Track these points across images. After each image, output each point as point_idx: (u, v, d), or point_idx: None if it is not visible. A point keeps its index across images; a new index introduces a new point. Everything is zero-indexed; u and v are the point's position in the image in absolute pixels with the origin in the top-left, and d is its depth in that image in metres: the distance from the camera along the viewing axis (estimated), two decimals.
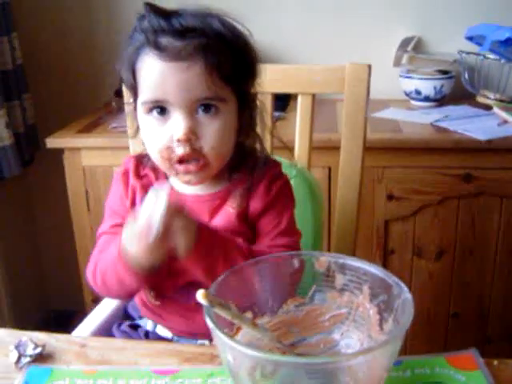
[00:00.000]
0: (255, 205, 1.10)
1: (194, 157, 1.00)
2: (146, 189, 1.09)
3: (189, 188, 1.10)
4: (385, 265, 1.96)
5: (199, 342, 1.12)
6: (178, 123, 0.97)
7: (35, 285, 2.71)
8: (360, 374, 0.70)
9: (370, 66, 1.35)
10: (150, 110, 1.00)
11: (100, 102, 2.37)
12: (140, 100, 1.01)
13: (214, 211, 1.10)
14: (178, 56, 0.95)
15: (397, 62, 2.26)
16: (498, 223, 1.90)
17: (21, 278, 2.53)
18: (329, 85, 1.40)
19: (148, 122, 1.01)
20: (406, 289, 0.76)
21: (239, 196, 1.10)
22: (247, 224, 1.11)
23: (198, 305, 0.73)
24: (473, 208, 1.89)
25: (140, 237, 0.89)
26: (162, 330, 1.16)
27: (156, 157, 1.03)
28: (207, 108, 0.98)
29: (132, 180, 1.13)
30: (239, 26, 1.05)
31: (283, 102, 2.11)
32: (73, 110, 2.35)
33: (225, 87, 0.99)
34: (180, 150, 0.98)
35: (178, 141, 0.97)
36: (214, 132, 0.99)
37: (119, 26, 2.39)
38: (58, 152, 1.98)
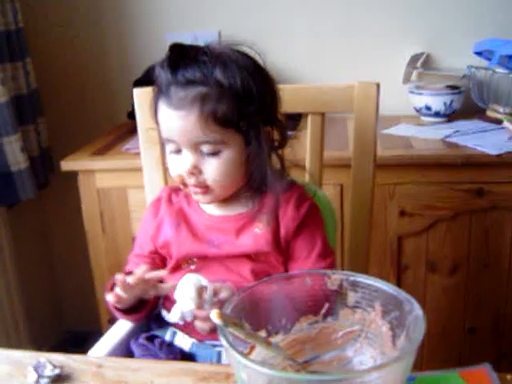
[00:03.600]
0: (287, 226, 1.19)
1: (198, 186, 1.16)
2: (176, 214, 1.25)
3: (217, 210, 1.24)
4: (399, 281, 1.96)
5: (217, 349, 1.16)
6: (185, 159, 1.14)
7: (51, 306, 2.72)
8: None
9: (378, 85, 1.37)
10: (167, 144, 1.17)
11: (113, 125, 2.40)
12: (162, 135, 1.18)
13: (240, 230, 1.20)
14: (179, 105, 1.10)
15: (406, 79, 2.27)
16: (511, 237, 1.89)
17: (37, 299, 2.55)
18: (338, 104, 1.41)
19: (168, 151, 1.18)
20: (417, 305, 0.77)
21: (266, 218, 1.19)
22: (277, 246, 1.19)
23: None
24: (485, 222, 1.89)
25: None
26: (181, 340, 1.21)
27: (173, 178, 1.20)
28: (208, 149, 1.12)
29: (163, 206, 1.28)
30: (256, 59, 1.17)
31: (294, 120, 2.12)
32: (86, 133, 2.38)
33: (224, 130, 1.11)
34: (187, 180, 1.16)
35: (185, 173, 1.14)
36: (215, 169, 1.14)
37: (132, 50, 2.42)
38: (73, 175, 2.00)
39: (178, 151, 1.14)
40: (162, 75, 1.12)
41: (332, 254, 1.23)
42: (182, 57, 1.10)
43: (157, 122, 1.18)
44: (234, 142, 1.13)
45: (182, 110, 1.09)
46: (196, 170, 1.13)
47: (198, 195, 1.18)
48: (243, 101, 1.11)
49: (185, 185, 1.18)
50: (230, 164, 1.14)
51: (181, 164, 1.14)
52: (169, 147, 1.16)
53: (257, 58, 1.18)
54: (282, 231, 1.19)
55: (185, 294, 1.02)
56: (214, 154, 1.12)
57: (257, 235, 1.19)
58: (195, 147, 1.12)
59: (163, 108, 1.13)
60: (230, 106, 1.10)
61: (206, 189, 1.16)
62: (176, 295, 1.04)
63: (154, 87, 1.17)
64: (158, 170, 1.47)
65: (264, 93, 1.16)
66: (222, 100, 1.09)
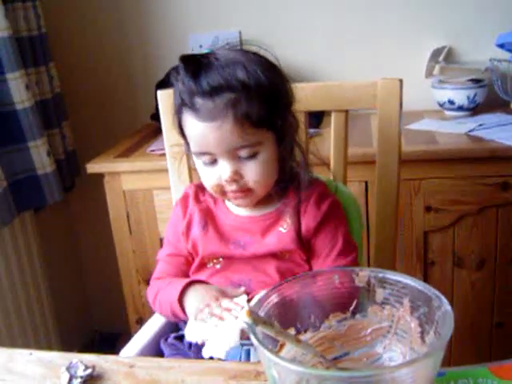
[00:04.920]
0: (307, 224, 1.20)
1: (240, 191, 1.15)
2: (203, 213, 1.25)
3: (243, 210, 1.23)
4: (426, 276, 1.96)
5: (245, 348, 1.16)
6: (224, 167, 1.12)
7: (80, 308, 2.75)
8: None
9: (401, 81, 1.37)
10: (200, 156, 1.15)
11: (137, 127, 2.42)
12: (191, 148, 1.17)
13: (266, 230, 1.21)
14: (210, 116, 1.08)
15: (429, 73, 2.26)
16: None
17: (66, 301, 2.58)
18: (361, 101, 1.41)
19: (200, 163, 1.17)
20: (445, 301, 0.77)
21: (289, 217, 1.20)
22: (301, 244, 1.20)
23: None
24: None
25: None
26: None
27: (209, 189, 1.19)
28: (246, 152, 1.11)
29: (191, 204, 1.27)
30: (269, 57, 1.16)
31: (317, 118, 2.12)
32: (111, 135, 2.40)
33: (258, 131, 1.10)
34: (228, 187, 1.14)
35: (226, 181, 1.13)
36: (255, 170, 1.13)
37: (154, 52, 2.44)
38: (99, 177, 2.02)
39: (213, 162, 1.13)
40: (184, 88, 1.10)
41: (354, 251, 1.23)
42: (198, 66, 1.08)
43: (184, 137, 1.17)
44: (268, 141, 1.13)
45: (215, 121, 1.07)
46: (237, 176, 1.12)
47: (238, 200, 1.18)
48: (271, 97, 1.11)
49: (223, 193, 1.17)
50: (268, 163, 1.14)
51: (218, 174, 1.13)
52: (201, 159, 1.15)
53: (267, 54, 1.18)
54: (303, 229, 1.20)
55: (228, 336, 1.05)
56: (252, 156, 1.12)
57: (281, 234, 1.20)
58: (233, 154, 1.10)
59: (192, 122, 1.11)
60: (260, 105, 1.09)
61: (247, 192, 1.15)
62: (216, 333, 1.07)
63: (174, 102, 1.16)
64: (184, 171, 1.48)
65: (284, 85, 1.17)
66: (252, 101, 1.07)
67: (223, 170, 1.12)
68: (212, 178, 1.15)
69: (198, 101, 1.08)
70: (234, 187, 1.13)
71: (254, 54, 1.15)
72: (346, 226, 1.24)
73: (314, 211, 1.20)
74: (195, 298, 1.16)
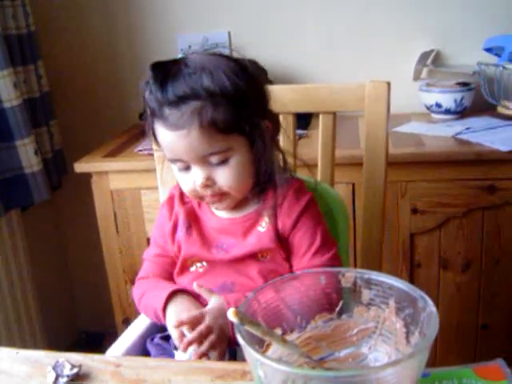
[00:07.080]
0: (283, 220, 1.20)
1: (215, 195, 1.16)
2: (188, 214, 1.26)
3: (225, 213, 1.24)
4: (412, 278, 1.97)
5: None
6: (196, 174, 1.14)
7: (66, 307, 2.74)
8: None
9: (389, 84, 1.37)
10: (173, 163, 1.17)
11: (125, 126, 2.42)
12: (165, 155, 1.18)
13: (247, 231, 1.21)
14: (178, 125, 1.09)
15: (416, 76, 2.28)
16: None
17: (52, 300, 2.57)
18: (349, 103, 1.42)
19: (175, 168, 1.19)
20: (430, 302, 0.77)
21: (268, 216, 1.20)
22: (280, 242, 1.20)
23: None
24: (498, 219, 1.89)
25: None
26: None
27: (186, 193, 1.21)
28: (216, 159, 1.12)
29: (176, 205, 1.28)
30: (237, 58, 1.16)
31: (305, 119, 2.13)
32: (98, 135, 2.40)
33: (227, 137, 1.11)
34: (202, 192, 1.16)
35: (199, 186, 1.14)
36: (227, 176, 1.14)
37: (143, 52, 2.44)
38: (86, 176, 2.02)
39: (187, 168, 1.14)
40: (152, 98, 1.11)
41: (333, 247, 1.22)
42: (166, 75, 1.09)
43: (158, 145, 1.18)
44: (239, 146, 1.13)
45: (181, 130, 1.08)
46: (210, 182, 1.13)
47: (215, 203, 1.19)
48: (238, 103, 1.10)
49: (201, 198, 1.19)
50: (241, 167, 1.14)
51: (192, 179, 1.15)
52: (176, 166, 1.16)
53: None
54: (280, 226, 1.20)
55: None
56: (224, 162, 1.12)
57: (260, 233, 1.20)
58: (204, 160, 1.11)
59: (162, 131, 1.12)
60: (227, 111, 1.09)
61: (223, 196, 1.16)
62: None
63: (146, 110, 1.16)
64: (171, 171, 1.48)
65: (255, 89, 1.16)
66: (218, 108, 1.08)
67: (196, 176, 1.14)
68: (188, 184, 1.16)
69: (166, 110, 1.09)
70: (208, 192, 1.15)
71: (225, 57, 1.15)
72: (323, 223, 1.24)
73: (290, 208, 1.20)
74: (175, 313, 1.17)
